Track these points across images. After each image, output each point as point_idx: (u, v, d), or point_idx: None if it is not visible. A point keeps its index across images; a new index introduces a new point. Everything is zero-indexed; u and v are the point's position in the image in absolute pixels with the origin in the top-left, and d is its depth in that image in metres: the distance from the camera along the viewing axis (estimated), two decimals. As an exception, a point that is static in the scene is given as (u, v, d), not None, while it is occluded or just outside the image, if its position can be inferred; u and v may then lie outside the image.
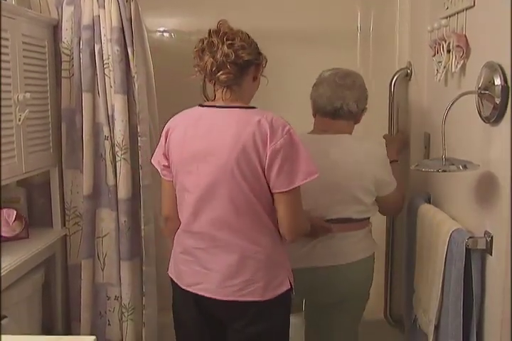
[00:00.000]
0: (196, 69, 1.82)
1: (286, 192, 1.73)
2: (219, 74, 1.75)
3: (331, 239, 2.14)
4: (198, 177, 1.79)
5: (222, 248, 1.80)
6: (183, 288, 1.89)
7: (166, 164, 1.89)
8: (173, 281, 1.95)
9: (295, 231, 1.81)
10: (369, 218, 2.25)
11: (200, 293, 1.84)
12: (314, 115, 2.26)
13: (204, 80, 1.85)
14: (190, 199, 1.82)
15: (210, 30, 1.79)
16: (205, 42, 1.77)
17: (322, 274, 2.15)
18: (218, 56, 1.73)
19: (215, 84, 1.81)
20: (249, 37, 1.82)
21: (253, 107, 1.81)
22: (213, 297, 1.82)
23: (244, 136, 1.71)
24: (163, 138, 1.89)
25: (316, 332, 2.35)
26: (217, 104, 1.83)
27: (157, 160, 1.93)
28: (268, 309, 1.81)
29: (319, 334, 2.33)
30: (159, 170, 1.94)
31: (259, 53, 1.85)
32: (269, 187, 1.75)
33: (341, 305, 2.24)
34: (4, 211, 2.33)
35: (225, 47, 1.73)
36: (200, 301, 1.86)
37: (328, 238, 2.13)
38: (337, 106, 2.16)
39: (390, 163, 2.21)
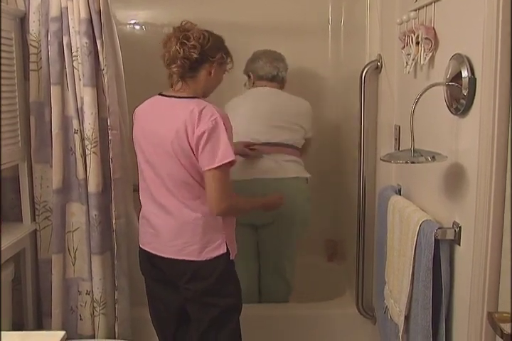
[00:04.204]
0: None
1: (207, 170, 1.99)
2: (172, 66, 2.04)
3: (264, 159, 2.73)
4: (146, 155, 2.12)
5: (167, 213, 2.10)
6: (141, 246, 2.23)
7: None
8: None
9: (217, 207, 2.03)
10: (299, 149, 2.89)
11: (151, 250, 2.18)
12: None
13: None
14: (143, 172, 2.17)
15: (173, 27, 2.05)
16: (167, 37, 2.04)
17: (257, 185, 2.57)
18: (171, 51, 2.01)
19: (173, 75, 2.08)
20: (206, 37, 2.03)
21: (196, 97, 2.06)
22: (159, 254, 2.14)
23: (178, 122, 1.99)
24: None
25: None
26: (168, 94, 2.11)
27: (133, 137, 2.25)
28: (204, 269, 2.10)
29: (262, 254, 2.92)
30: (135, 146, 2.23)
31: (217, 52, 2.08)
32: None
33: (271, 226, 2.76)
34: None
35: (178, 45, 2.00)
36: (152, 258, 2.19)
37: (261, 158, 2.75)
38: (274, 73, 2.90)
39: None
